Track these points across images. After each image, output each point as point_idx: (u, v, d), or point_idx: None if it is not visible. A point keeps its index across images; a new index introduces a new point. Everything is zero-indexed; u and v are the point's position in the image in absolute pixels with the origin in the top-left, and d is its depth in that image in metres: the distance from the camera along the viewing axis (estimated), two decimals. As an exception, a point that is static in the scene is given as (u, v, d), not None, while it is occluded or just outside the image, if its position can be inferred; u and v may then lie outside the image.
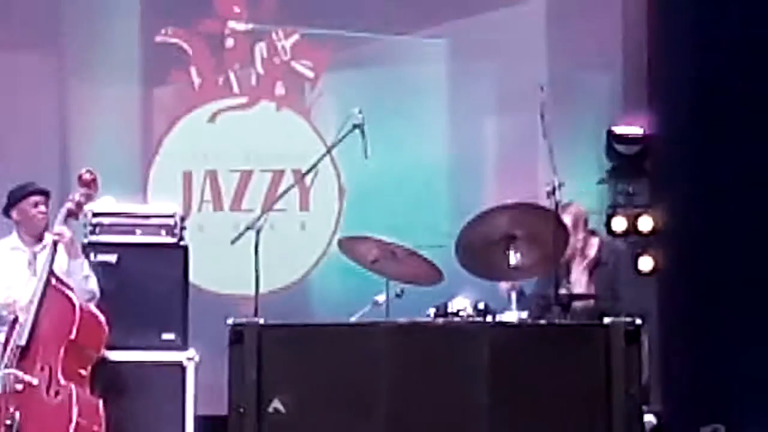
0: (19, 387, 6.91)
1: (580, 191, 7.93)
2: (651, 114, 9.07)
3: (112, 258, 7.70)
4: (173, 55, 9.89)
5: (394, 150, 9.24)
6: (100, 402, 7.03)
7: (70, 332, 7.02)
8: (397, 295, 6.80)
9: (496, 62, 9.75)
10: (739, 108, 8.79)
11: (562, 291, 6.95)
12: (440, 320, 6.38)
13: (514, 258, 6.58)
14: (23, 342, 7.00)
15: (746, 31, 8.97)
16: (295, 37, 9.92)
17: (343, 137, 7.44)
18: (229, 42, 9.92)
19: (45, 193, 7.54)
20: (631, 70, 9.40)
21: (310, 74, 9.90)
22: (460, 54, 9.81)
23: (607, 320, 6.11)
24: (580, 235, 7.35)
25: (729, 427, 7.92)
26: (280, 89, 9.89)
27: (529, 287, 7.10)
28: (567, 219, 7.22)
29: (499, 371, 5.88)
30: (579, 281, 7.26)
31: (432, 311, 6.50)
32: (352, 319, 6.95)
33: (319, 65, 9.90)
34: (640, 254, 7.64)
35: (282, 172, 9.75)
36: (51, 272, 7.13)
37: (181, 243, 7.98)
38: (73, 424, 6.85)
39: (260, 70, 9.94)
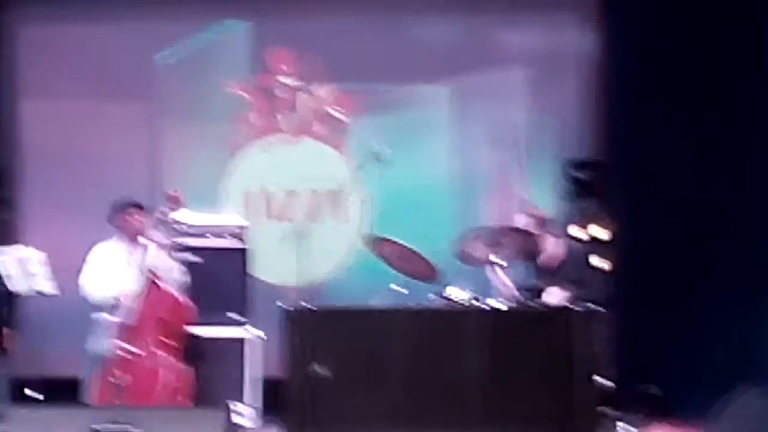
0: (125, 355, 7.21)
1: (546, 206, 8.13)
2: (599, 148, 9.29)
3: (191, 257, 8.02)
4: (237, 102, 9.95)
5: (407, 174, 9.40)
6: (185, 368, 7.39)
7: (166, 314, 7.41)
8: (406, 287, 6.93)
9: (487, 107, 9.82)
10: (662, 142, 8.98)
11: (533, 282, 7.17)
12: (443, 305, 6.57)
13: (499, 257, 6.88)
14: (130, 321, 7.32)
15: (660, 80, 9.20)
16: (330, 88, 10.04)
17: (366, 165, 7.89)
18: (282, 93, 10.09)
19: (140, 206, 7.87)
20: (583, 117, 9.49)
21: (342, 117, 10.06)
22: (459, 100, 9.91)
23: (569, 306, 6.44)
24: (536, 228, 7.46)
25: (664, 388, 8.05)
26: (318, 128, 10.09)
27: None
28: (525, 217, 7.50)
29: (487, 345, 6.11)
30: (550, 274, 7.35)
31: (432, 296, 6.72)
32: (373, 303, 7.06)
33: (348, 110, 10.03)
34: (591, 253, 7.68)
35: (321, 191, 9.93)
36: (148, 268, 7.44)
37: (243, 245, 8.28)
38: (168, 385, 7.22)
39: (305, 114, 10.08)
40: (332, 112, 10.11)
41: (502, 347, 6.13)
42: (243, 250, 8.30)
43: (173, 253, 7.91)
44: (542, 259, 7.51)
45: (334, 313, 6.47)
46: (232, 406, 6.74)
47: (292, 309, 6.34)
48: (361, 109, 10.05)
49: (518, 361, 6.12)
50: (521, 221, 7.49)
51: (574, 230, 7.95)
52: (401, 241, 7.10)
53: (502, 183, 9.47)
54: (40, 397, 7.84)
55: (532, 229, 7.47)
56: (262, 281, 8.95)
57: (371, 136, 9.26)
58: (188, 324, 7.60)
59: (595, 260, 7.58)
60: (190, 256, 8.05)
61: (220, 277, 8.08)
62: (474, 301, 6.65)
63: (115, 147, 9.93)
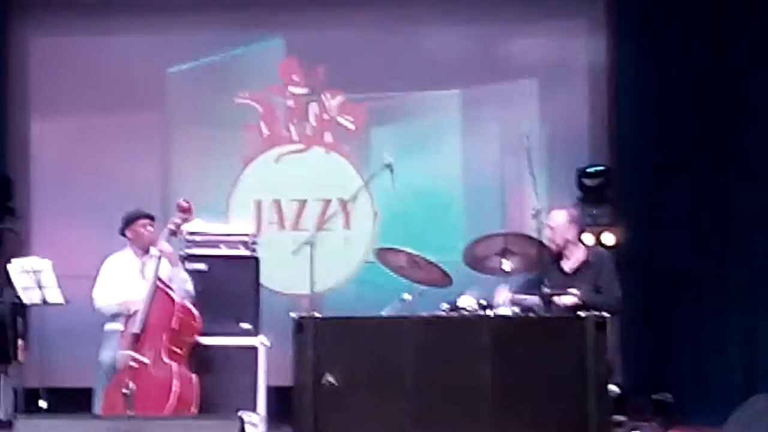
0: (134, 364, 7.13)
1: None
2: (609, 156, 9.20)
3: (202, 266, 7.95)
4: (248, 112, 9.92)
5: (418, 182, 9.29)
6: (194, 376, 7.28)
7: (172, 323, 7.30)
8: (419, 294, 6.81)
9: (498, 115, 9.84)
10: (673, 152, 8.94)
11: (545, 290, 7.06)
12: (454, 313, 6.46)
13: (508, 264, 6.75)
14: (137, 330, 7.23)
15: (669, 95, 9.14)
16: (340, 98, 9.98)
17: (377, 174, 7.71)
18: (290, 102, 10.01)
19: (151, 217, 7.78)
20: (593, 125, 9.46)
21: (352, 126, 9.99)
22: (469, 109, 9.85)
23: (580, 314, 6.24)
24: (572, 233, 7.36)
25: (675, 395, 7.98)
26: (328, 138, 10.04)
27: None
28: (563, 218, 7.39)
29: (498, 353, 5.98)
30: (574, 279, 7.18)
31: (445, 306, 6.60)
32: (384, 313, 6.96)
33: (358, 119, 9.97)
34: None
35: (329, 200, 9.83)
36: (157, 278, 7.35)
37: (254, 255, 8.20)
38: (174, 393, 7.08)
39: (313, 123, 10.04)
40: (342, 121, 10.05)
41: (514, 355, 6.01)
42: (254, 260, 8.20)
43: (184, 264, 7.82)
44: (563, 261, 7.36)
45: (344, 322, 6.33)
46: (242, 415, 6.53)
47: (303, 318, 6.18)
48: (372, 119, 9.99)
49: (530, 369, 5.97)
50: (555, 222, 7.39)
51: (585, 236, 7.80)
52: (410, 250, 6.97)
53: (513, 191, 9.41)
54: (48, 406, 7.69)
55: (563, 229, 7.37)
56: (272, 290, 8.84)
57: (381, 146, 9.25)
58: (198, 333, 7.50)
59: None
60: (200, 266, 7.96)
61: (231, 286, 7.99)
62: (484, 310, 6.53)
63: (127, 158, 9.93)
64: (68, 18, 9.99)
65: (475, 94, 9.93)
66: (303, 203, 9.96)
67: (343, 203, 9.55)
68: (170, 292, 7.43)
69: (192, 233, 8.02)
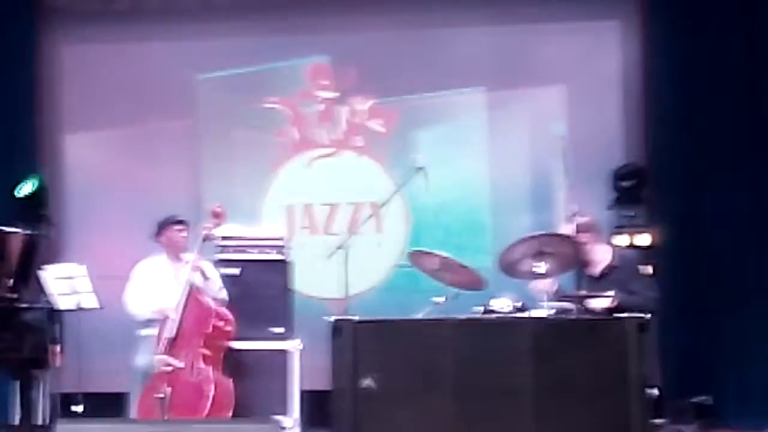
0: (169, 369, 7.12)
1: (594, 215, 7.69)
2: (644, 157, 9.05)
3: (236, 271, 7.95)
4: (278, 117, 9.86)
5: (448, 185, 9.15)
6: (229, 380, 7.25)
7: (206, 327, 7.29)
8: (453, 298, 6.63)
9: (530, 117, 9.72)
10: (709, 153, 8.84)
11: (581, 292, 6.97)
12: (493, 315, 6.35)
13: (543, 267, 6.60)
14: (172, 335, 7.23)
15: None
16: (370, 102, 9.90)
17: (409, 178, 7.61)
18: (321, 107, 9.91)
19: (184, 222, 7.76)
20: (627, 126, 9.35)
21: (382, 130, 9.89)
22: (500, 110, 9.75)
23: (621, 315, 6.16)
24: (588, 238, 7.15)
25: (715, 398, 7.85)
26: (359, 141, 9.95)
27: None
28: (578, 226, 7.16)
29: (539, 355, 5.90)
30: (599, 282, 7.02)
31: (479, 309, 6.48)
32: (418, 316, 6.77)
33: (388, 123, 9.87)
34: (639, 261, 7.52)
35: (361, 204, 9.73)
36: (191, 284, 7.37)
37: (286, 259, 8.17)
38: (209, 397, 7.07)
39: (344, 127, 9.96)
40: (372, 125, 9.98)
41: (552, 358, 5.90)
42: (285, 263, 8.18)
43: (216, 268, 7.80)
44: (589, 266, 7.20)
45: (382, 325, 6.24)
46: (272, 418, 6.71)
47: (340, 321, 6.10)
48: (402, 122, 9.89)
49: (569, 371, 5.86)
50: (568, 230, 7.28)
51: (620, 238, 7.71)
52: (444, 253, 6.85)
53: (545, 193, 9.11)
54: (84, 410, 7.68)
55: (579, 237, 7.23)
56: (304, 294, 8.69)
57: (413, 148, 9.22)
58: (231, 338, 7.47)
59: (642, 267, 7.34)
60: (233, 271, 7.95)
61: (263, 290, 7.98)
62: (520, 312, 6.41)
63: (159, 164, 9.95)
64: (99, 25, 9.96)
65: (504, 96, 9.82)
66: (334, 207, 9.88)
67: (375, 207, 9.42)
68: (205, 298, 7.42)
69: (224, 238, 7.97)
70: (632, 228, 8.43)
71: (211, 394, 7.09)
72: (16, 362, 7.36)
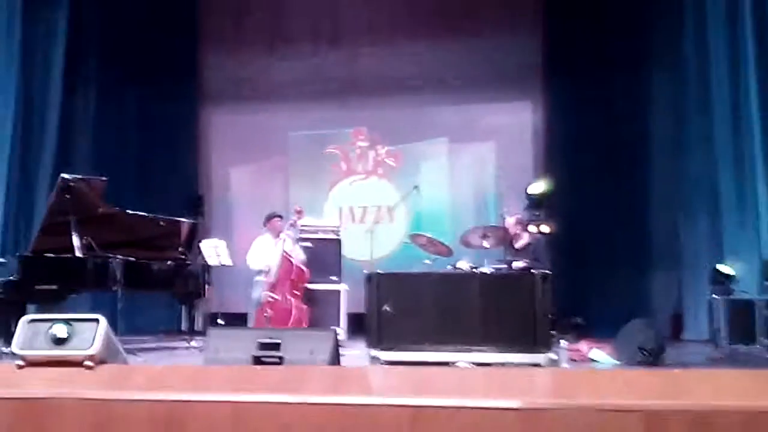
0: (271, 300, 7.11)
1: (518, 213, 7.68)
2: (545, 180, 8.86)
3: (309, 244, 7.86)
4: (334, 157, 9.79)
5: (431, 197, 8.88)
6: (306, 307, 7.19)
7: (292, 276, 7.23)
8: (433, 261, 6.48)
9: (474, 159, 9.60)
10: (579, 180, 8.75)
11: (507, 258, 6.86)
12: (457, 271, 6.20)
13: (486, 242, 6.54)
14: (273, 280, 7.22)
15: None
16: (386, 148, 9.71)
17: (410, 192, 7.70)
18: (358, 151, 9.78)
19: (280, 216, 7.74)
20: (537, 163, 9.26)
21: (394, 164, 9.66)
22: (457, 151, 9.63)
23: (533, 271, 6.00)
24: (518, 228, 7.10)
25: (586, 320, 7.68)
26: (380, 171, 9.73)
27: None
28: (513, 220, 7.14)
29: (484, 294, 5.71)
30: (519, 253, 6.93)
31: (449, 267, 6.34)
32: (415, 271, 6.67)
33: (397, 160, 9.66)
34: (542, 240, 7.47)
35: (381, 207, 9.62)
36: (284, 251, 7.31)
37: (338, 237, 8.10)
38: (294, 316, 7.05)
39: (371, 163, 9.78)
40: (387, 161, 9.79)
41: (493, 296, 5.73)
42: (338, 240, 8.08)
43: (299, 243, 7.74)
44: (514, 243, 7.13)
45: (394, 275, 6.06)
46: (331, 328, 6.60)
47: (370, 273, 5.94)
48: (405, 159, 9.74)
49: (502, 304, 5.70)
50: (507, 222, 7.22)
51: (532, 227, 7.63)
52: (429, 234, 6.79)
53: (483, 203, 9.35)
54: (224, 323, 7.65)
55: (512, 227, 7.14)
56: (349, 258, 8.50)
57: (412, 175, 9.25)
58: (307, 282, 7.39)
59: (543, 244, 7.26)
60: (308, 244, 7.85)
61: (325, 255, 7.87)
62: (473, 269, 6.25)
63: (268, 185, 9.86)
64: (235, 103, 9.92)
65: (461, 146, 9.60)
66: (366, 208, 9.75)
67: (390, 208, 9.47)
68: (292, 258, 7.35)
69: (303, 225, 7.86)
70: (538, 221, 8.31)
71: (296, 314, 7.06)
72: (184, 294, 7.30)
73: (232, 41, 9.90)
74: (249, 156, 9.95)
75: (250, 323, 7.30)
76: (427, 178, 9.29)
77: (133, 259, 6.54)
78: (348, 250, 8.42)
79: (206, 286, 7.38)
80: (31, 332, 3.05)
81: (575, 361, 5.96)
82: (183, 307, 7.67)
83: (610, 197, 8.73)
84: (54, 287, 6.05)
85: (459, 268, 6.32)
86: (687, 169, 8.27)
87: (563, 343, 5.97)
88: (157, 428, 2.75)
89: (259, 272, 7.47)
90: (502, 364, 5.32)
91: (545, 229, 8.15)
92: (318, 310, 7.37)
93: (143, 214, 6.83)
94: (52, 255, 6.15)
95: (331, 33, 9.82)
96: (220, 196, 9.91)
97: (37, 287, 6.01)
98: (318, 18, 9.83)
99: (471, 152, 9.62)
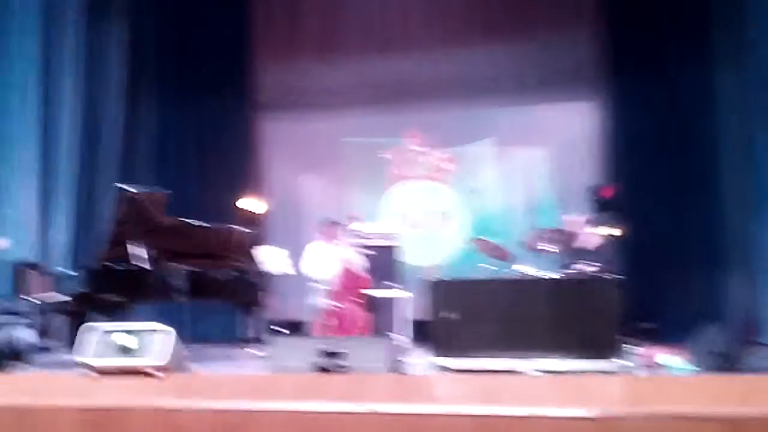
0: (332, 307, 7.17)
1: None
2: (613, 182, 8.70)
3: (367, 250, 7.79)
4: (388, 162, 9.73)
5: (486, 199, 8.87)
6: (367, 314, 7.25)
7: (354, 283, 7.29)
8: (494, 266, 6.54)
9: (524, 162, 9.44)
10: (649, 178, 8.52)
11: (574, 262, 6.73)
12: (520, 277, 6.13)
13: (549, 248, 6.45)
14: (333, 287, 7.28)
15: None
16: (440, 152, 9.55)
17: (467, 195, 7.84)
18: (411, 155, 9.68)
19: (336, 222, 7.77)
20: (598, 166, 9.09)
21: (448, 168, 9.51)
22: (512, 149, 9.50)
23: (605, 276, 5.94)
24: (585, 231, 6.98)
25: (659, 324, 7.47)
26: (434, 175, 9.58)
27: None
28: (579, 222, 7.00)
29: (549, 299, 5.66)
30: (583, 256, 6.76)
31: (513, 271, 6.32)
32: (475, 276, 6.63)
33: (451, 163, 9.47)
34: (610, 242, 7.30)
35: (437, 211, 9.56)
36: (343, 258, 7.40)
37: (396, 242, 8.07)
38: (356, 324, 7.10)
39: (425, 167, 9.64)
40: (442, 165, 9.65)
41: (562, 301, 5.63)
42: (396, 246, 8.08)
43: (356, 249, 7.75)
44: (581, 245, 6.97)
45: (459, 282, 6.05)
46: (394, 336, 6.65)
47: (433, 280, 5.95)
48: (459, 162, 9.61)
49: (573, 310, 5.60)
50: (572, 224, 7.08)
51: (602, 229, 7.46)
52: (488, 238, 6.78)
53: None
54: (286, 331, 7.71)
55: (578, 229, 7.00)
56: (407, 263, 8.46)
57: (465, 179, 9.15)
58: (367, 288, 7.40)
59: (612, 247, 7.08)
60: (366, 250, 7.84)
61: (384, 261, 7.85)
62: (540, 274, 6.20)
63: (322, 192, 9.89)
64: (290, 112, 10.01)
65: (514, 149, 9.47)
66: (421, 213, 9.64)
67: (445, 213, 9.36)
68: (351, 265, 7.38)
69: (360, 231, 7.91)
70: (607, 223, 8.12)
71: (358, 322, 7.08)
72: (244, 302, 7.40)
73: (285, 50, 9.97)
74: (304, 163, 9.98)
75: (310, 331, 7.35)
76: (482, 181, 9.21)
77: (196, 269, 6.67)
78: (406, 256, 8.34)
79: (265, 294, 7.44)
80: (101, 342, 3.13)
81: (648, 367, 5.86)
82: (242, 315, 7.75)
83: (678, 198, 8.48)
84: (121, 299, 6.22)
85: (525, 273, 6.22)
86: (759, 168, 7.97)
87: (635, 349, 5.87)
88: (225, 437, 2.79)
89: (315, 280, 7.53)
90: (572, 372, 5.24)
91: (616, 231, 7.99)
92: (379, 317, 7.34)
93: (204, 224, 6.97)
94: (118, 267, 6.33)
95: (381, 38, 9.79)
96: (277, 204, 9.96)
97: (105, 299, 6.18)
98: (368, 24, 9.84)
99: (526, 154, 9.49)
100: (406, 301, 7.61)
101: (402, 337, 7.13)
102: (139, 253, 6.35)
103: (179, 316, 6.48)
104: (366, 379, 3.15)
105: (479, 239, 6.87)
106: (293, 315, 8.17)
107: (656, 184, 8.54)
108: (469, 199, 7.61)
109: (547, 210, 8.91)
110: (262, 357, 6.05)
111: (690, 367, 5.77)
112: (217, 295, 7.03)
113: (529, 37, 9.26)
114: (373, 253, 7.84)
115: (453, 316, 5.68)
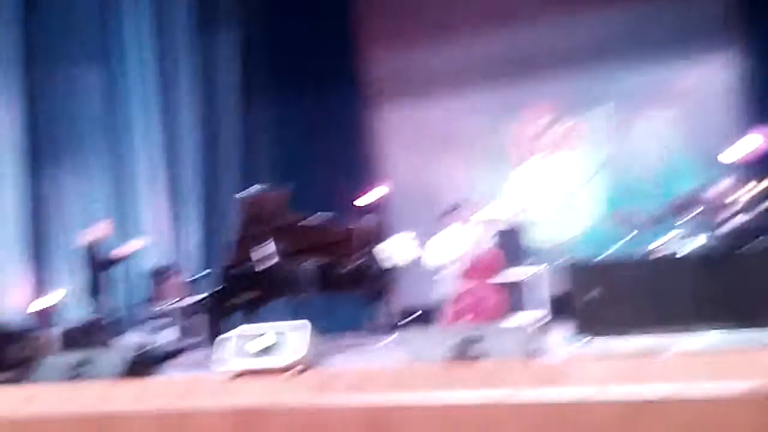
0: (464, 291, 6.90)
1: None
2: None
3: (497, 230, 7.63)
4: (511, 140, 9.55)
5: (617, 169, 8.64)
6: (501, 295, 6.89)
7: (486, 264, 6.99)
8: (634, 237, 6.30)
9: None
10: None
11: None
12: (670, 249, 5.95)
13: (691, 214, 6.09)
14: (464, 271, 6.99)
15: None
16: (565, 123, 9.25)
17: (598, 170, 7.51)
18: (536, 129, 9.44)
19: (460, 206, 7.38)
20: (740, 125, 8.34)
21: (575, 139, 9.18)
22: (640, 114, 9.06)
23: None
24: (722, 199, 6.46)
25: None
26: (561, 147, 9.27)
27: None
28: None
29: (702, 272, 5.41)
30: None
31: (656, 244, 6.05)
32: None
33: (578, 134, 9.19)
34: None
35: (567, 184, 9.18)
36: (473, 241, 7.08)
37: (526, 219, 8.10)
38: (489, 307, 6.78)
39: (552, 140, 9.33)
40: (568, 137, 9.35)
41: (715, 273, 5.34)
42: (526, 223, 7.98)
43: (485, 230, 7.37)
44: (727, 213, 6.50)
45: (599, 260, 5.93)
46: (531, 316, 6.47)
47: (573, 258, 5.91)
48: (584, 133, 9.30)
49: (726, 280, 5.30)
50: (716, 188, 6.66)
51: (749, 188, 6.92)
52: (630, 209, 6.55)
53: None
54: (417, 319, 7.72)
55: (720, 192, 6.58)
56: (539, 240, 8.24)
57: (594, 150, 8.88)
58: (501, 269, 7.14)
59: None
60: (496, 230, 7.58)
61: (514, 240, 7.70)
62: (688, 245, 5.90)
63: (446, 176, 9.81)
64: (400, 99, 10.06)
65: (642, 114, 9.03)
66: (551, 188, 9.30)
67: (577, 185, 9.08)
68: (481, 246, 7.09)
69: (488, 212, 7.50)
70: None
71: (491, 304, 6.79)
72: (372, 292, 7.51)
73: (393, 36, 9.98)
74: (424, 148, 9.97)
75: (442, 317, 7.22)
76: (611, 151, 8.91)
77: (323, 263, 6.79)
78: (538, 233, 8.16)
79: (394, 284, 7.49)
80: (240, 342, 3.24)
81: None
82: (370, 305, 7.83)
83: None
84: (253, 296, 6.47)
85: (668, 246, 6.00)
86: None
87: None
88: (369, 430, 2.81)
89: (445, 264, 7.39)
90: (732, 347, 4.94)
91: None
92: (514, 298, 7.17)
93: (327, 217, 7.08)
94: (248, 266, 6.58)
95: (488, 14, 9.60)
96: (400, 191, 9.97)
97: (238, 297, 6.45)
98: (474, 0, 9.71)
99: (656, 118, 9.04)
100: (541, 280, 7.44)
101: (540, 316, 6.96)
102: (266, 251, 6.56)
103: (309, 310, 6.63)
104: (506, 366, 3.09)
105: (620, 211, 6.70)
106: (424, 301, 8.16)
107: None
108: (600, 169, 7.28)
109: (682, 176, 8.47)
110: (390, 347, 6.12)
111: None
112: (345, 287, 7.16)
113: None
114: (502, 232, 7.71)
115: (594, 294, 5.52)
